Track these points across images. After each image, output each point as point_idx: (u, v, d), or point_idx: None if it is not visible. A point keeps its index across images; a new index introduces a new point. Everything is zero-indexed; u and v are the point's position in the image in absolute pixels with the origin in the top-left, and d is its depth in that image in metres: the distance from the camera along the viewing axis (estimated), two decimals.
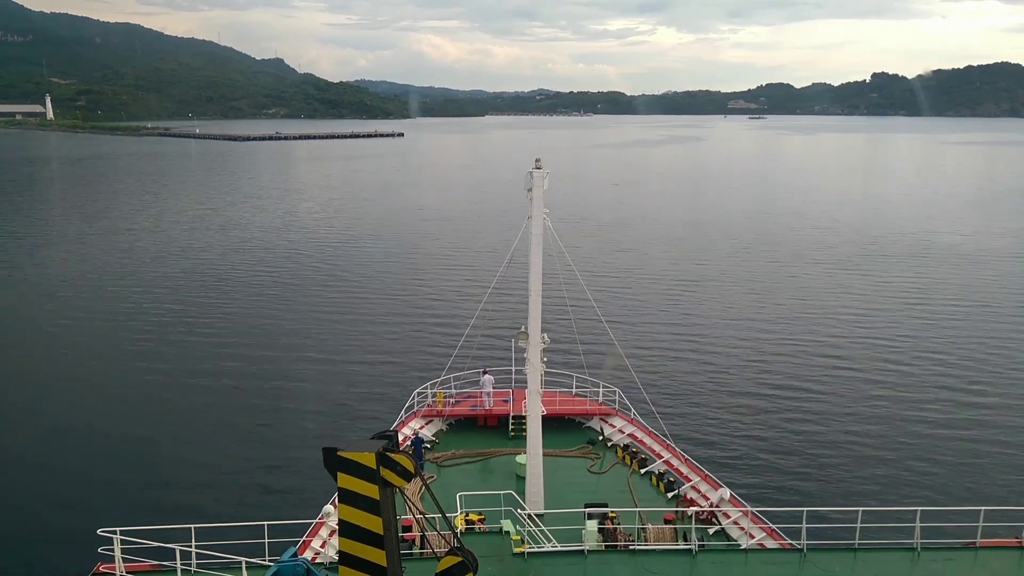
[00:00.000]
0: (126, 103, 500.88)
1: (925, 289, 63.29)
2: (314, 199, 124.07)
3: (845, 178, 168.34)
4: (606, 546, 19.89)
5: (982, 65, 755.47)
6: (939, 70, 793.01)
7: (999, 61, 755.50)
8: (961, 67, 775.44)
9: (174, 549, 16.68)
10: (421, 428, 29.88)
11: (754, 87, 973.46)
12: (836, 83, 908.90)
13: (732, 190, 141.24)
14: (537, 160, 22.39)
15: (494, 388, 31.54)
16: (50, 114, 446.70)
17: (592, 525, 20.06)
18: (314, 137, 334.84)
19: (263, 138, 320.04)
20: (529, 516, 20.73)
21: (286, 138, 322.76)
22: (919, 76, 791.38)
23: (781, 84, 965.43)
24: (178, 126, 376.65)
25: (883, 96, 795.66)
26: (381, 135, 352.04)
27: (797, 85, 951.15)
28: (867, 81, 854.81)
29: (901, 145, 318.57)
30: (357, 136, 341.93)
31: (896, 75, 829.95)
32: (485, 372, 31.83)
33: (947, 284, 65.09)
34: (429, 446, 29.05)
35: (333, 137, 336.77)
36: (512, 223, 23.76)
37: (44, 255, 78.58)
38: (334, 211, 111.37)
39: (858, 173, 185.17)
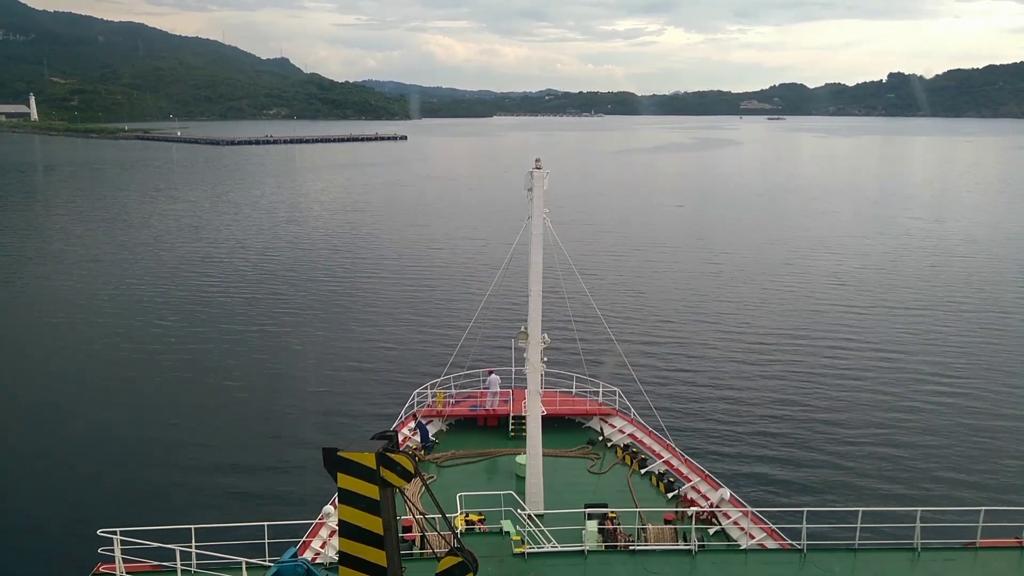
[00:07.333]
0: (120, 103, 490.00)
1: (925, 290, 63.31)
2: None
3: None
4: (606, 546, 19.88)
5: (1003, 65, 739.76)
6: (958, 70, 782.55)
7: (1019, 61, 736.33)
8: (980, 67, 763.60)
9: (174, 549, 16.67)
10: None
11: (766, 87, 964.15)
12: (850, 83, 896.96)
13: (846, 210, 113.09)
14: (537, 160, 22.46)
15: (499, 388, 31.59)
16: (34, 115, 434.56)
17: (592, 525, 20.05)
18: (308, 141, 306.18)
19: (250, 142, 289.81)
20: (529, 516, 20.74)
21: (276, 142, 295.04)
22: (937, 76, 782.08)
23: (794, 84, 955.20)
24: (159, 128, 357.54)
25: (900, 96, 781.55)
26: (382, 138, 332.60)
27: (810, 85, 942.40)
28: (883, 81, 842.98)
29: (980, 150, 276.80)
30: (356, 139, 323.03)
31: (913, 75, 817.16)
32: (491, 372, 31.87)
33: (948, 286, 65.10)
34: (430, 444, 29.07)
35: (329, 140, 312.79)
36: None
37: (44, 255, 78.73)
38: (332, 215, 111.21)
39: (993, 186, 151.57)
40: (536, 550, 18.83)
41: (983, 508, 18.55)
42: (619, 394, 31.67)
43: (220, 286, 64.62)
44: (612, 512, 21.84)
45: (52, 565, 25.28)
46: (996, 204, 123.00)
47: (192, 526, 17.29)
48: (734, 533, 22.50)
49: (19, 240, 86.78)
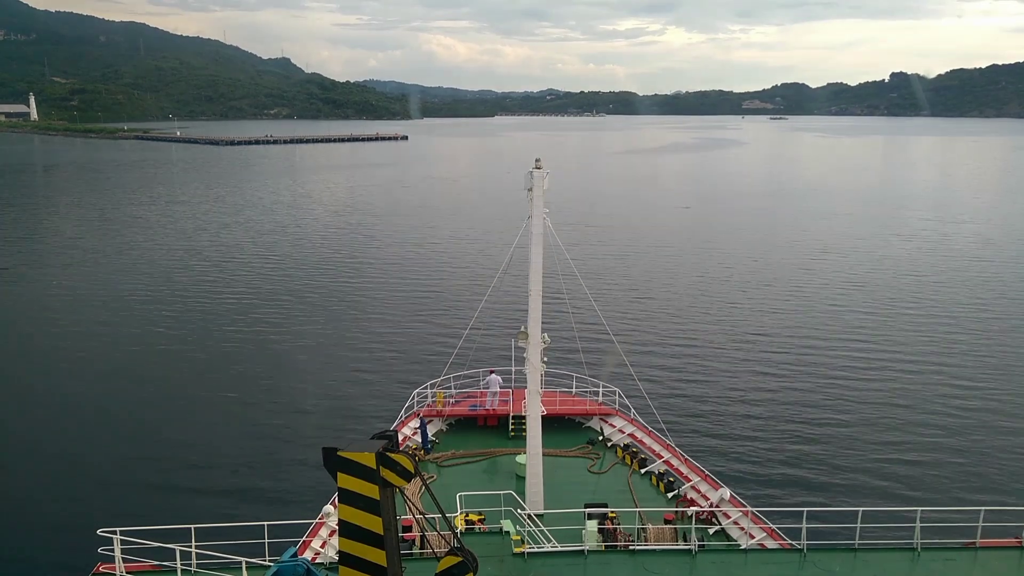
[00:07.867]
0: (121, 103, 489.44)
1: (924, 290, 63.28)
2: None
3: None
4: (606, 546, 19.87)
5: (1006, 65, 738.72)
6: (960, 69, 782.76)
7: (1022, 61, 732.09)
8: (982, 67, 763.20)
9: (174, 549, 16.68)
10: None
11: (768, 87, 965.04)
12: (852, 83, 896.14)
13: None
14: (537, 160, 22.47)
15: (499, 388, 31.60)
16: (34, 114, 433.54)
17: (592, 525, 20.04)
18: (309, 141, 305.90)
19: (250, 142, 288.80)
20: (529, 516, 20.74)
21: (276, 142, 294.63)
22: (939, 76, 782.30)
23: (796, 84, 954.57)
24: (159, 128, 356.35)
25: (902, 96, 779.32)
26: (383, 138, 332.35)
27: (812, 85, 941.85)
28: (885, 81, 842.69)
29: (990, 150, 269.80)
30: (356, 139, 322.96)
31: (915, 75, 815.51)
32: (492, 372, 31.88)
33: (947, 285, 65.06)
34: (430, 445, 29.08)
35: (330, 141, 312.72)
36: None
37: (43, 255, 78.75)
38: (332, 215, 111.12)
39: None
40: (536, 550, 18.83)
41: (983, 508, 18.54)
42: (619, 394, 31.67)
43: (220, 286, 64.61)
44: (612, 512, 21.84)
45: (52, 565, 25.30)
46: (1006, 205, 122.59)
47: (192, 526, 17.29)
48: (734, 533, 22.50)
49: (18, 240, 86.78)
